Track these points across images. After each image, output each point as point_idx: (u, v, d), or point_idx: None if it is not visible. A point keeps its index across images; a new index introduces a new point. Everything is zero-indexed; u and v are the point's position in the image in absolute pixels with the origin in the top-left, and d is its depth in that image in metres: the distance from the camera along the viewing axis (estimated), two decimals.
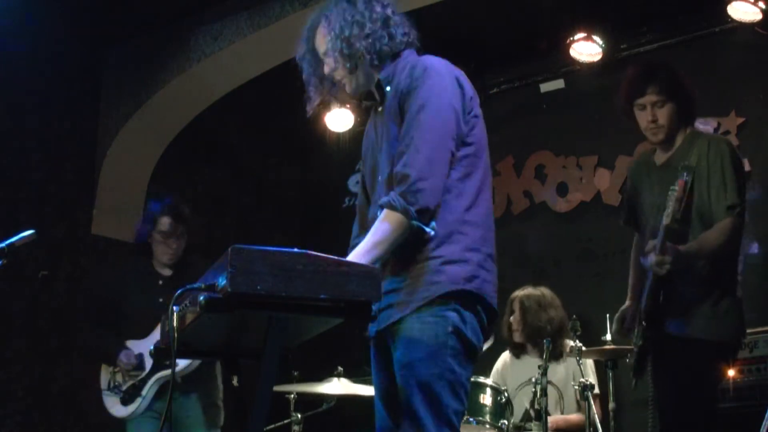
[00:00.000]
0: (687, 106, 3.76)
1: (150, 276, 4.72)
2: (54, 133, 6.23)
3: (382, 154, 2.81)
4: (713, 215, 3.57)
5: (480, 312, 2.68)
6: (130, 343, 4.60)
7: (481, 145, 2.79)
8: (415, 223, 2.59)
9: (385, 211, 2.62)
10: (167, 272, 4.76)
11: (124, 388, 4.59)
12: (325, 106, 3.05)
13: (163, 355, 2.74)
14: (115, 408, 4.62)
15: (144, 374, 4.56)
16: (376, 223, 2.64)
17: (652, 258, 3.49)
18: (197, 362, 4.47)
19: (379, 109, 2.88)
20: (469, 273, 2.65)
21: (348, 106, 3.10)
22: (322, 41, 2.87)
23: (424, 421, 2.56)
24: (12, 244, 3.49)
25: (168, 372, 4.47)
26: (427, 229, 2.62)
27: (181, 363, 4.44)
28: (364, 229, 2.82)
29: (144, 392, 4.54)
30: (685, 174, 3.49)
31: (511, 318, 5.28)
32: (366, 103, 2.97)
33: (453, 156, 2.69)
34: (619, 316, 3.85)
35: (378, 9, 2.86)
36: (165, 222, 4.70)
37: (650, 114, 3.74)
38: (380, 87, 2.86)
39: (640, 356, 3.67)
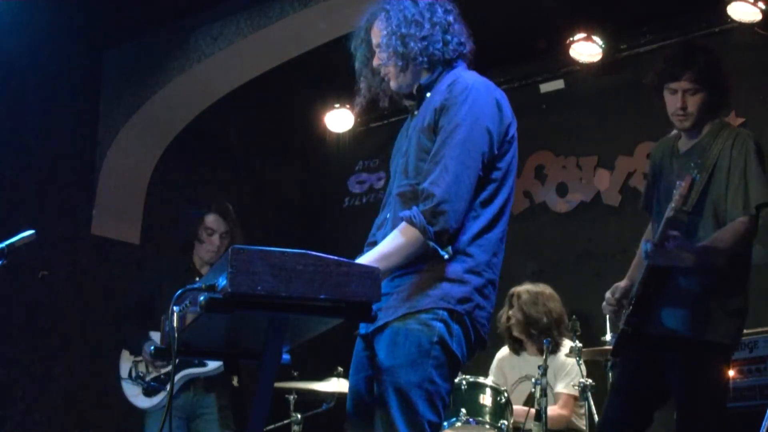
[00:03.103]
0: (719, 96, 3.67)
1: (187, 273, 4.79)
2: (54, 134, 6.23)
3: (407, 157, 2.77)
4: (727, 212, 3.50)
5: (469, 329, 2.64)
6: (156, 335, 4.64)
7: (510, 170, 2.76)
8: (431, 243, 2.57)
9: (403, 224, 2.60)
10: (205, 270, 4.80)
11: (147, 378, 4.64)
12: (374, 99, 2.97)
13: (162, 355, 2.75)
14: (139, 398, 4.68)
15: (169, 369, 4.60)
16: (392, 235, 2.62)
17: (649, 246, 3.44)
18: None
19: (416, 112, 2.85)
20: (464, 295, 2.61)
21: (387, 101, 3.01)
22: (378, 33, 2.83)
23: (398, 429, 2.53)
24: (12, 244, 3.49)
25: (194, 370, 4.57)
26: (442, 252, 2.59)
27: (212, 365, 4.51)
28: (381, 224, 2.84)
29: (168, 387, 4.58)
30: (695, 171, 3.43)
31: (510, 311, 5.28)
32: (408, 103, 2.93)
33: (480, 179, 2.65)
34: (611, 290, 3.77)
35: (440, 13, 2.83)
36: (211, 218, 4.85)
37: (680, 100, 3.63)
38: (420, 91, 2.83)
39: (621, 339, 3.64)
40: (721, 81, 3.67)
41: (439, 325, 2.58)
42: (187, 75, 6.25)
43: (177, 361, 4.49)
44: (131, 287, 5.02)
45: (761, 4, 5.40)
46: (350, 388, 2.82)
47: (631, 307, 3.59)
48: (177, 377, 4.58)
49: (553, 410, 4.94)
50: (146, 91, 6.36)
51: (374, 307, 2.62)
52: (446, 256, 2.60)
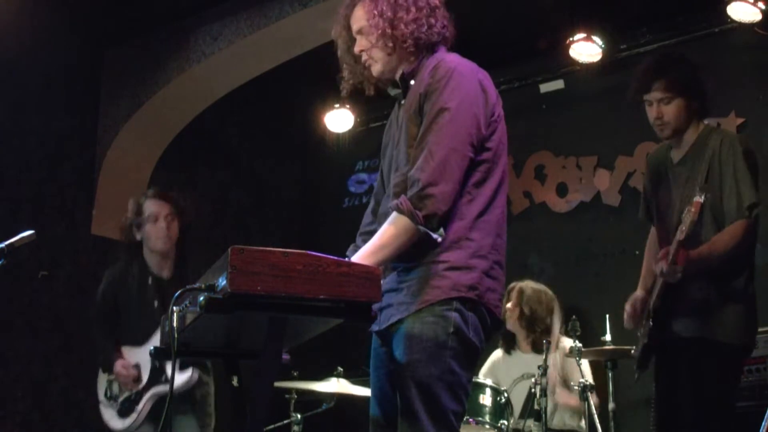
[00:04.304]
0: (698, 100, 3.71)
1: (143, 277, 4.52)
2: (54, 133, 6.23)
3: (398, 148, 2.78)
4: (725, 215, 3.55)
5: (484, 314, 2.65)
6: (127, 350, 4.47)
7: (501, 149, 2.74)
8: (422, 228, 2.57)
9: (393, 214, 2.60)
10: (165, 273, 4.54)
11: (120, 399, 4.47)
12: (358, 87, 2.96)
13: (162, 356, 2.74)
14: (113, 420, 4.49)
15: (140, 387, 4.43)
16: (384, 226, 2.62)
17: (663, 266, 3.50)
18: (194, 381, 4.37)
19: (402, 101, 2.85)
20: (473, 281, 2.61)
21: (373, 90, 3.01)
22: (362, 18, 2.82)
23: (422, 423, 2.53)
24: (12, 244, 3.48)
25: (163, 387, 4.39)
26: (435, 236, 2.59)
27: (178, 381, 4.30)
28: (377, 218, 2.85)
29: (139, 407, 4.42)
30: (702, 195, 3.47)
31: (508, 305, 5.26)
32: (394, 91, 2.91)
33: (471, 161, 2.64)
34: (631, 302, 3.82)
35: None
36: (150, 204, 4.50)
37: (656, 110, 3.70)
38: (404, 80, 2.82)
39: (644, 352, 3.69)
40: (696, 87, 3.71)
41: (454, 315, 2.58)
42: (187, 75, 6.25)
43: (145, 380, 4.40)
44: (95, 299, 4.69)
45: (761, 4, 5.40)
46: (372, 385, 2.82)
47: (651, 322, 3.64)
48: (146, 396, 4.40)
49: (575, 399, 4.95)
50: (146, 91, 6.36)
51: (384, 303, 2.65)
52: (439, 239, 2.60)
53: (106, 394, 4.53)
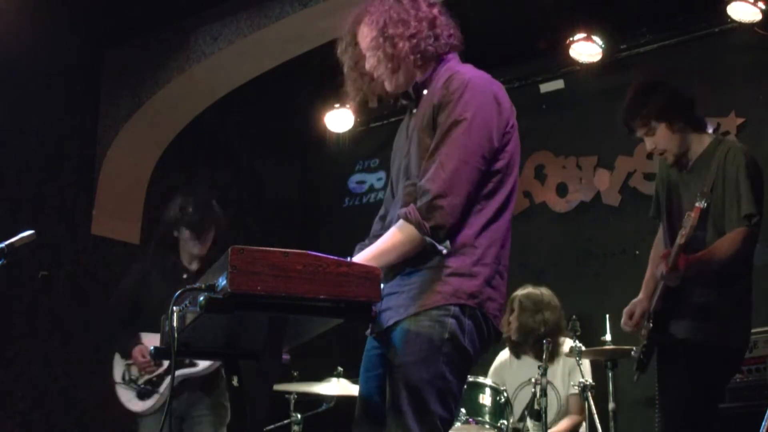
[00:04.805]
0: (681, 117, 3.76)
1: (174, 270, 4.69)
2: (54, 133, 6.23)
3: (409, 158, 2.77)
4: (725, 224, 3.60)
5: (482, 322, 2.63)
6: (146, 337, 4.57)
7: (513, 159, 2.75)
8: (428, 239, 2.56)
9: (400, 221, 2.59)
10: (194, 266, 4.71)
11: (140, 382, 4.58)
12: (361, 99, 2.96)
13: (162, 356, 2.74)
14: (132, 402, 4.60)
15: (162, 370, 4.55)
16: (389, 232, 2.62)
17: (663, 269, 3.56)
18: (217, 364, 4.49)
19: (414, 111, 2.84)
20: (475, 288, 2.60)
21: (380, 101, 3.02)
22: (366, 36, 2.81)
23: (409, 425, 2.52)
24: (12, 244, 3.48)
25: (185, 371, 4.51)
26: (440, 247, 2.58)
27: (202, 364, 4.48)
28: (385, 225, 2.84)
29: (161, 389, 4.54)
30: (703, 201, 3.53)
31: (510, 317, 5.28)
32: (403, 102, 2.91)
33: (482, 173, 2.64)
34: (628, 308, 3.86)
35: (424, 8, 2.80)
36: (187, 234, 4.68)
37: (648, 144, 3.82)
38: (417, 90, 2.82)
39: (645, 354, 3.72)
40: (673, 106, 3.76)
41: (451, 321, 2.57)
42: (187, 75, 6.25)
43: (166, 364, 4.48)
44: (119, 287, 4.86)
45: (761, 4, 5.40)
46: (360, 386, 2.81)
47: (651, 324, 3.69)
48: (169, 378, 4.48)
49: (572, 419, 4.98)
50: (146, 91, 6.36)
51: (384, 306, 2.64)
52: (444, 251, 2.59)
53: (123, 378, 4.64)
